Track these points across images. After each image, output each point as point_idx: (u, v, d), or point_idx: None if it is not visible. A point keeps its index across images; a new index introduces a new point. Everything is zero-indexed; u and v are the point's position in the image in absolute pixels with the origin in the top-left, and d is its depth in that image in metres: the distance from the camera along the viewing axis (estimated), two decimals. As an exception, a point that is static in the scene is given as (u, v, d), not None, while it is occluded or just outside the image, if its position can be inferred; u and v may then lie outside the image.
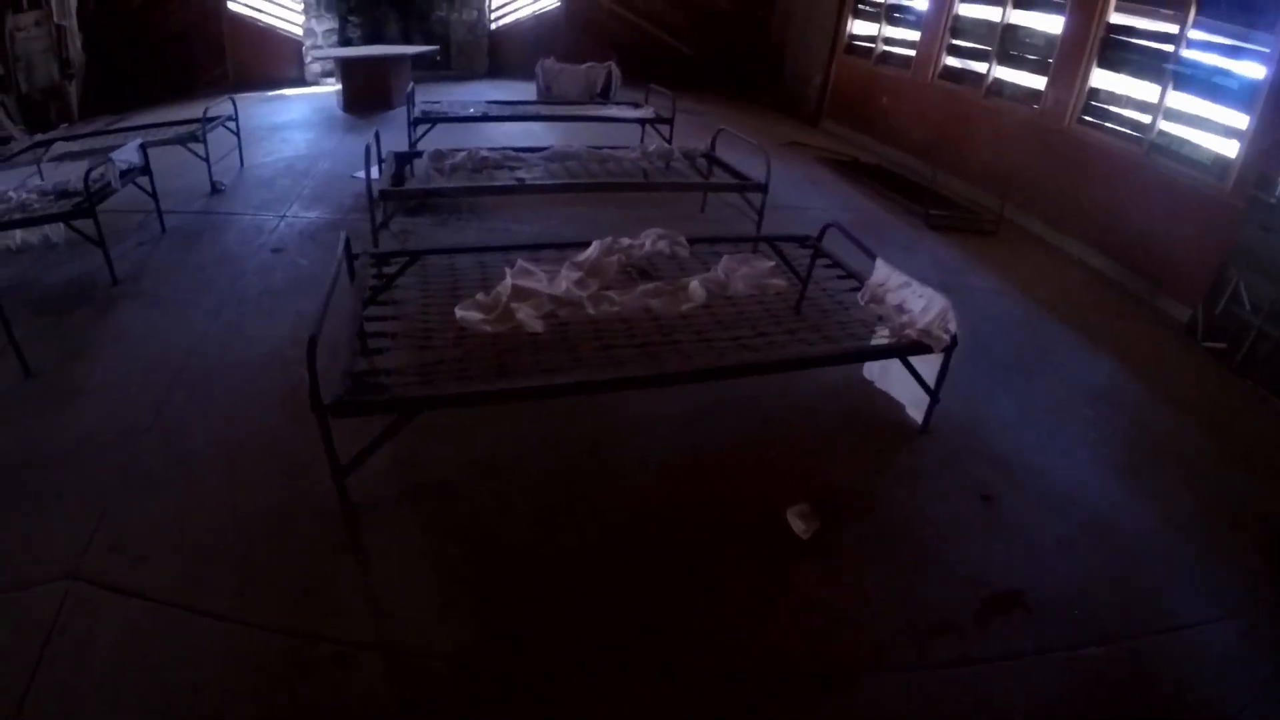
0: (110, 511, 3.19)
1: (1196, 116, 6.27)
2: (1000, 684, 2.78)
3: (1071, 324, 5.69)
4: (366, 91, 9.73)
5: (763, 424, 4.12)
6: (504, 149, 6.13)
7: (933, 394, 4.11)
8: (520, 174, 5.69)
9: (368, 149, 5.09)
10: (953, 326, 3.86)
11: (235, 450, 3.59)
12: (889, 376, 4.34)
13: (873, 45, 10.62)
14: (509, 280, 3.85)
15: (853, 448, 4.03)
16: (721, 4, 12.65)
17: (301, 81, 11.27)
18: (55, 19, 8.99)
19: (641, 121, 8.04)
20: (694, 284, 4.12)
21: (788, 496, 3.51)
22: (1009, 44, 8.54)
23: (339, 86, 10.01)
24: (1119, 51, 7.04)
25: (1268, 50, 5.59)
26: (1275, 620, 3.20)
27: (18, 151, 6.70)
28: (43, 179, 6.18)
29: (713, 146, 6.66)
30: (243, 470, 3.48)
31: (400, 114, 9.35)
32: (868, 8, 10.79)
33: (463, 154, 5.83)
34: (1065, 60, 7.57)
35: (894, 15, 10.30)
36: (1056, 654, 2.91)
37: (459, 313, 3.60)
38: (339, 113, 9.86)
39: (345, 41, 11.35)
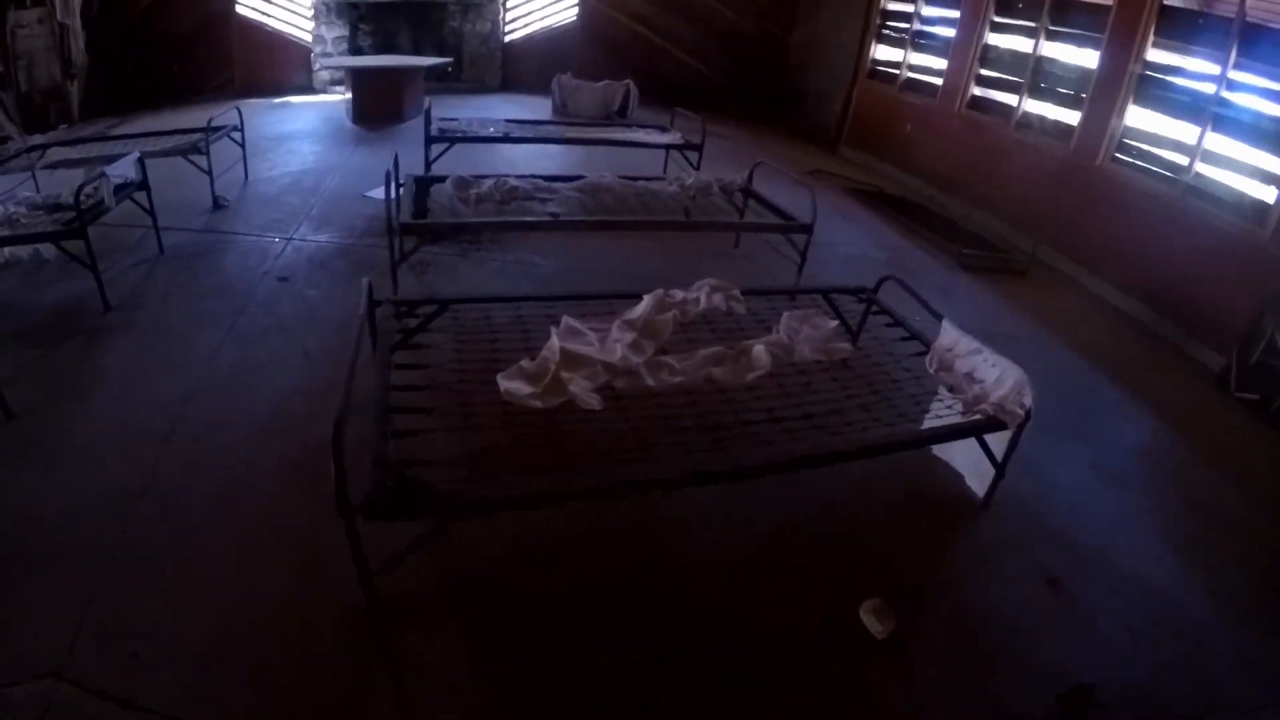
0: (99, 598, 2.70)
1: (1235, 160, 6.01)
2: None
3: (1109, 375, 5.45)
4: (378, 103, 9.22)
5: (823, 505, 3.68)
6: (533, 178, 5.62)
7: (999, 469, 3.74)
8: (552, 207, 5.20)
9: (388, 176, 4.59)
10: (1028, 400, 3.50)
11: (242, 528, 3.09)
12: (950, 445, 3.91)
13: (897, 71, 10.21)
14: (556, 343, 3.37)
15: (916, 527, 3.66)
16: (741, 25, 12.19)
17: (309, 89, 10.76)
18: (58, 17, 8.48)
19: (668, 147, 7.57)
20: (758, 349, 3.69)
21: (855, 586, 3.17)
22: (1041, 77, 8.18)
23: (348, 96, 9.50)
24: (1156, 89, 6.75)
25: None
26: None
27: (11, 155, 6.17)
28: (37, 187, 5.72)
29: (750, 179, 6.19)
30: (251, 554, 2.97)
31: (412, 128, 8.97)
32: (892, 33, 10.37)
33: (489, 182, 5.32)
34: (1100, 96, 7.24)
35: (920, 42, 9.90)
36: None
37: (503, 384, 3.11)
38: (348, 124, 9.35)
39: (355, 50, 10.84)
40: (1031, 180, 8.07)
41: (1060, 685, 2.85)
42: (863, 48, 10.68)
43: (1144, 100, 6.86)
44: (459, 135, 6.99)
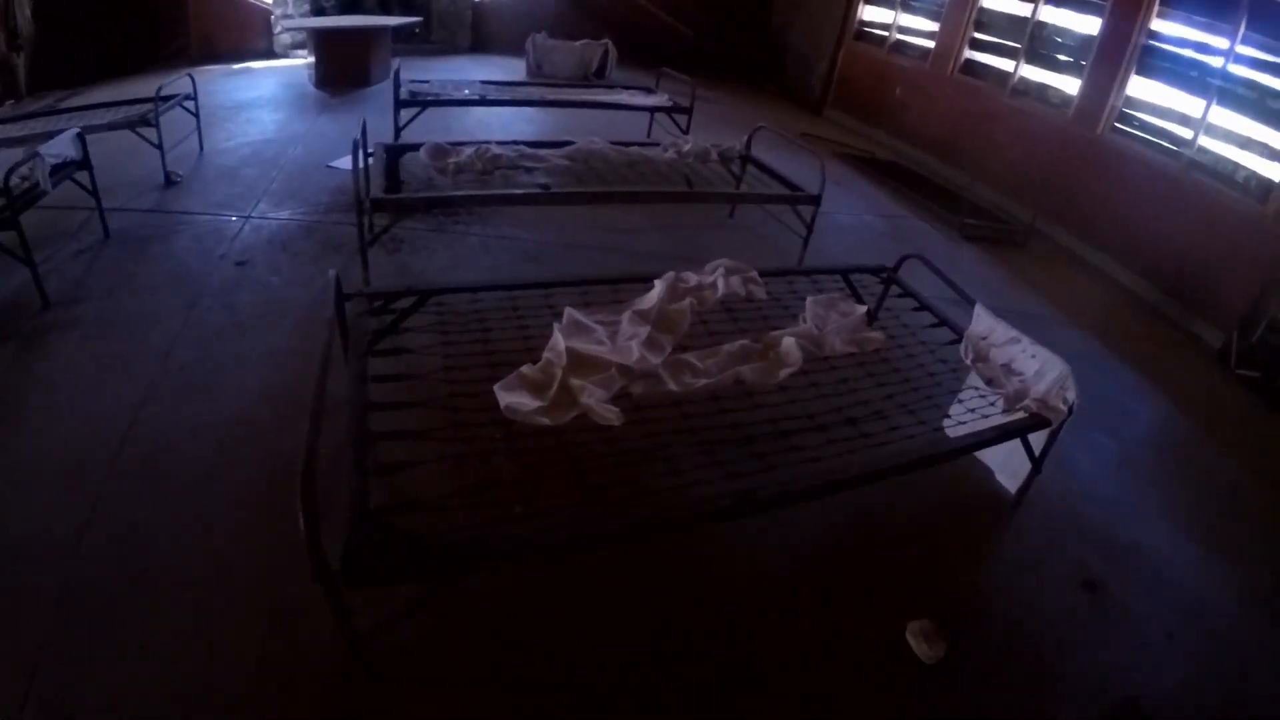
0: (44, 670, 2.21)
1: (1240, 135, 5.83)
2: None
3: (1116, 354, 5.28)
4: (342, 66, 8.51)
5: (854, 507, 3.26)
6: (517, 144, 5.01)
7: (1037, 466, 3.39)
8: (540, 178, 4.61)
9: (355, 145, 3.99)
10: (1072, 396, 3.16)
11: (207, 569, 2.58)
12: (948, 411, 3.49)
13: (886, 33, 9.70)
14: (560, 341, 2.84)
15: (951, 531, 3.36)
16: (720, -17, 11.56)
17: (270, 54, 9.99)
18: (1, -17, 7.69)
19: (656, 110, 6.99)
20: (788, 343, 3.21)
21: (893, 599, 2.90)
22: (1039, 42, 7.81)
23: (311, 60, 8.78)
24: (1160, 60, 6.52)
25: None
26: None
27: (-56, 132, 5.48)
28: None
29: (748, 146, 5.66)
30: (219, 602, 2.47)
31: (379, 92, 8.31)
32: (881, -8, 9.83)
33: (470, 150, 4.71)
34: (1101, 64, 6.96)
35: (910, 3, 9.38)
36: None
37: (503, 397, 2.57)
38: (311, 89, 8.63)
39: (318, 10, 10.07)
40: (1028, 148, 7.77)
41: (1105, 699, 2.70)
42: (849, 7, 10.14)
43: (1147, 70, 6.65)
44: (430, 98, 6.35)
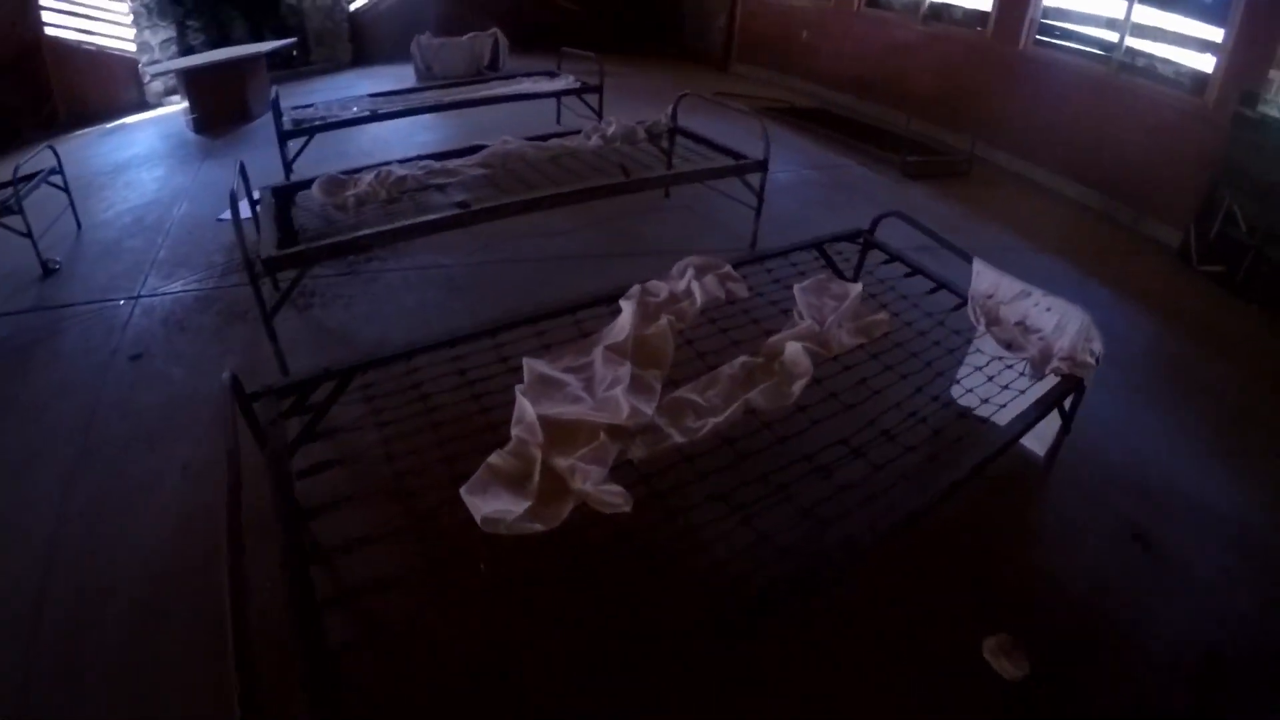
0: None
1: (1168, 31, 5.64)
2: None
3: (1086, 272, 5.02)
4: (218, 105, 7.66)
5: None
6: (421, 160, 4.33)
7: (1066, 424, 3.09)
8: (456, 194, 3.93)
9: (233, 196, 3.30)
10: (1098, 346, 2.83)
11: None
12: (976, 391, 3.02)
13: (782, -24, 9.10)
14: (528, 410, 2.24)
15: (992, 509, 2.93)
16: (601, -50, 10.83)
17: (144, 105, 9.04)
18: None
19: (564, 94, 6.33)
20: (793, 349, 2.71)
21: (953, 601, 2.54)
22: None
23: (185, 104, 7.91)
24: None
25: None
26: None
27: None
28: None
29: (674, 117, 5.05)
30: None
31: (263, 125, 7.52)
32: (770, -66, 9.23)
33: (369, 177, 4.01)
34: None
35: (802, -61, 8.80)
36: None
37: (477, 505, 1.96)
38: (190, 136, 7.76)
39: (186, 50, 9.13)
40: (950, 74, 7.39)
41: (1189, 656, 2.46)
42: (739, -43, 9.50)
43: None
44: (317, 123, 5.60)
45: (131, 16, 8.82)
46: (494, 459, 2.10)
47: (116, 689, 2.24)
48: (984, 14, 7.02)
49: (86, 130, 8.41)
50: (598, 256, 4.57)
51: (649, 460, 2.23)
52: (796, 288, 3.22)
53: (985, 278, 3.21)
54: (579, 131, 4.77)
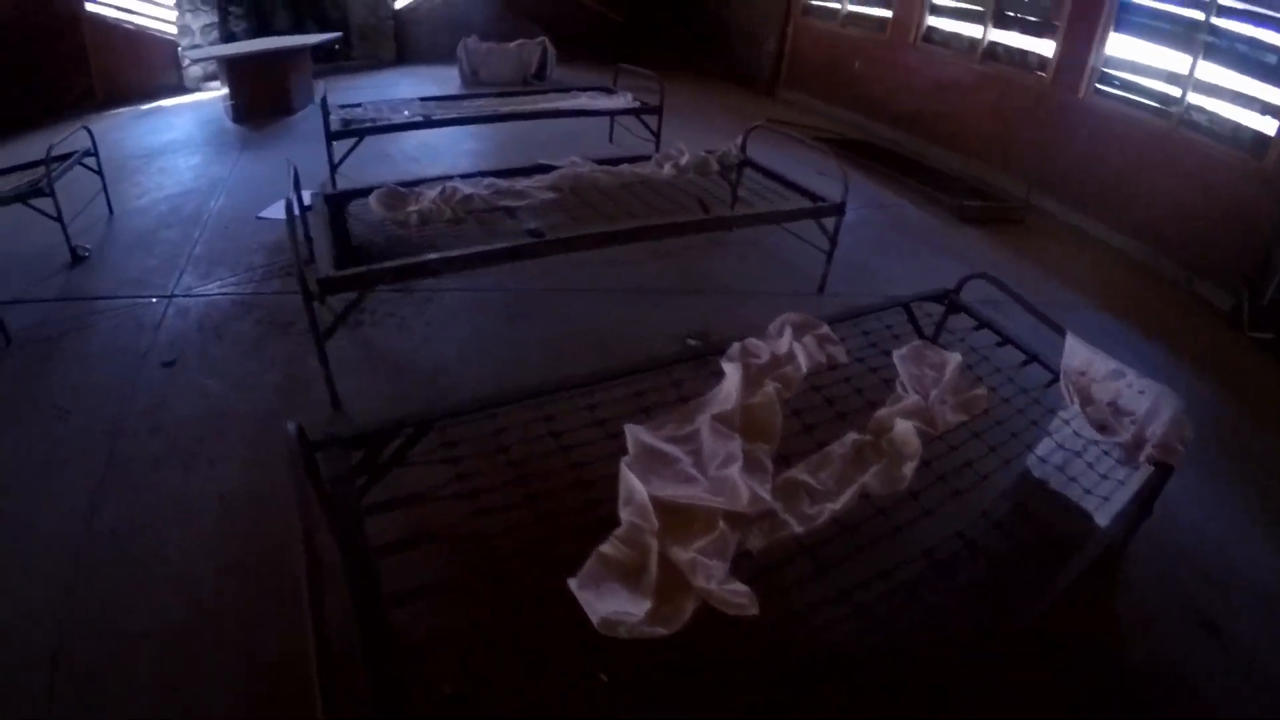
0: None
1: (1230, 90, 5.33)
2: None
3: (1138, 331, 4.71)
4: (260, 96, 7.37)
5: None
6: (485, 176, 3.97)
7: (1147, 508, 2.69)
8: (527, 219, 3.59)
9: (288, 205, 2.99)
10: (1189, 432, 2.58)
11: None
12: (1070, 471, 2.77)
13: (838, 5, 8.81)
14: (639, 489, 1.93)
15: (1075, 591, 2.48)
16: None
17: (181, 89, 8.75)
18: None
19: (620, 113, 6.03)
20: (902, 428, 2.41)
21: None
22: (1005, 4, 7.06)
23: (226, 91, 7.61)
24: (1140, 16, 5.92)
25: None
26: None
27: None
28: None
29: (744, 148, 4.75)
30: None
31: (305, 120, 7.24)
32: (827, -37, 8.95)
33: (433, 192, 3.66)
34: (1077, 24, 6.28)
35: (862, -30, 8.52)
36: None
37: (593, 604, 1.62)
38: (229, 124, 7.46)
39: (228, 37, 8.86)
40: (1006, 117, 7.07)
41: None
42: (795, -19, 9.22)
43: (1127, 28, 6.04)
44: (367, 125, 5.28)
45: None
46: (606, 548, 1.79)
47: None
48: (1044, 59, 6.72)
49: (121, 110, 8.13)
50: (664, 291, 4.27)
51: (767, 551, 1.93)
52: (896, 355, 2.95)
53: (1078, 353, 2.96)
54: (649, 158, 4.44)
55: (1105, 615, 2.66)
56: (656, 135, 5.90)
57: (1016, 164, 6.84)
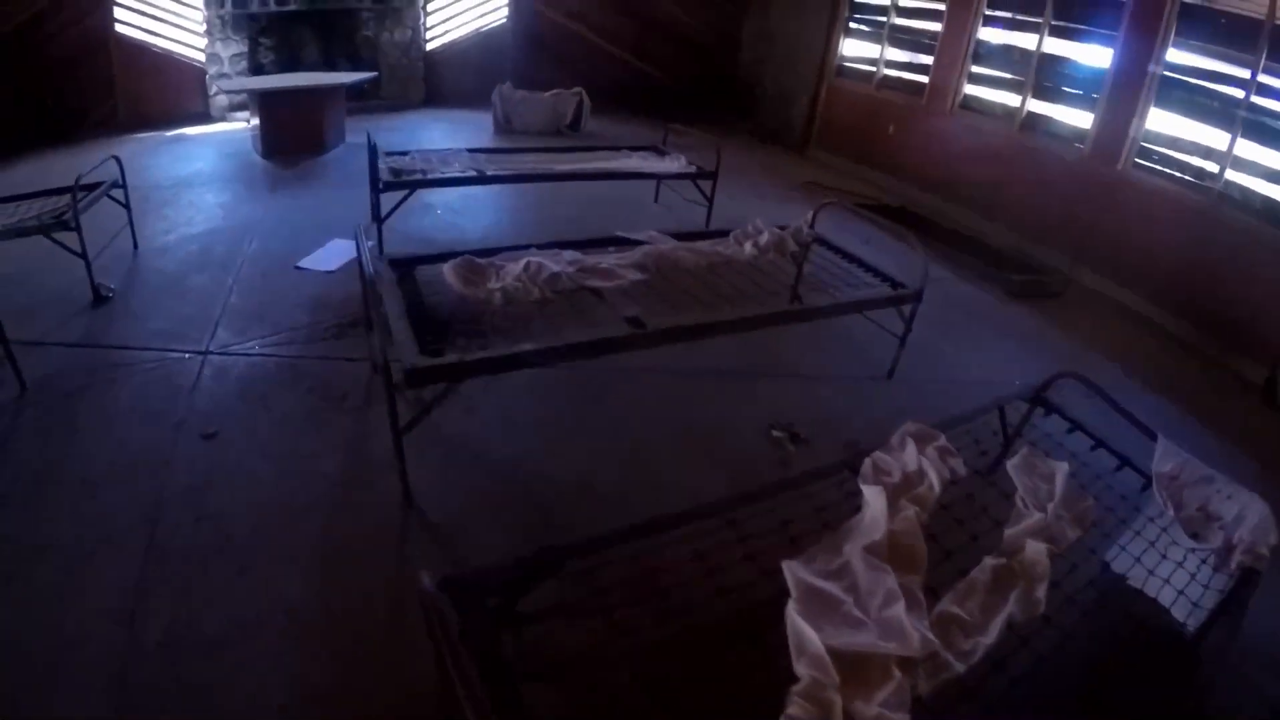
0: None
1: (1269, 167, 5.24)
2: None
3: (1183, 409, 4.47)
4: (293, 132, 7.03)
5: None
6: (568, 250, 3.51)
7: (1239, 612, 2.55)
8: (619, 301, 3.18)
9: (365, 297, 2.64)
10: (1275, 537, 2.49)
11: None
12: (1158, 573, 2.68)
13: (873, 69, 8.64)
14: (812, 638, 1.68)
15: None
16: (684, 18, 10.35)
17: (206, 117, 8.43)
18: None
19: (676, 177, 5.72)
20: (1034, 550, 2.25)
21: None
22: (1046, 75, 6.90)
23: (254, 123, 7.28)
24: (1180, 92, 5.79)
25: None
26: None
27: None
28: None
29: (813, 224, 4.46)
30: None
31: (338, 160, 6.98)
32: (865, 27, 8.78)
33: (514, 267, 3.23)
34: (1117, 98, 6.15)
35: (899, 37, 8.33)
36: None
37: None
38: (257, 159, 7.12)
39: (257, 68, 8.55)
40: (1042, 186, 6.86)
41: None
42: (829, 43, 9.04)
43: (1166, 103, 5.92)
44: (417, 177, 4.93)
45: (205, 25, 8.24)
46: (794, 710, 1.51)
47: None
48: (1083, 131, 6.56)
49: (144, 135, 7.83)
50: (737, 372, 3.96)
51: (936, 696, 1.70)
52: (1010, 466, 2.75)
53: (1170, 457, 2.80)
54: (726, 234, 4.09)
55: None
56: (709, 200, 5.61)
57: (1053, 234, 6.66)
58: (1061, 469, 2.75)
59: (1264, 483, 3.70)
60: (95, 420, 3.28)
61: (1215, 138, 5.54)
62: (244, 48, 8.46)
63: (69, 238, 4.14)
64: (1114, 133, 6.17)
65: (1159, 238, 5.84)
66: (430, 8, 9.39)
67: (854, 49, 8.95)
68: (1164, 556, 2.63)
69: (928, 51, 8.02)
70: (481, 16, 9.69)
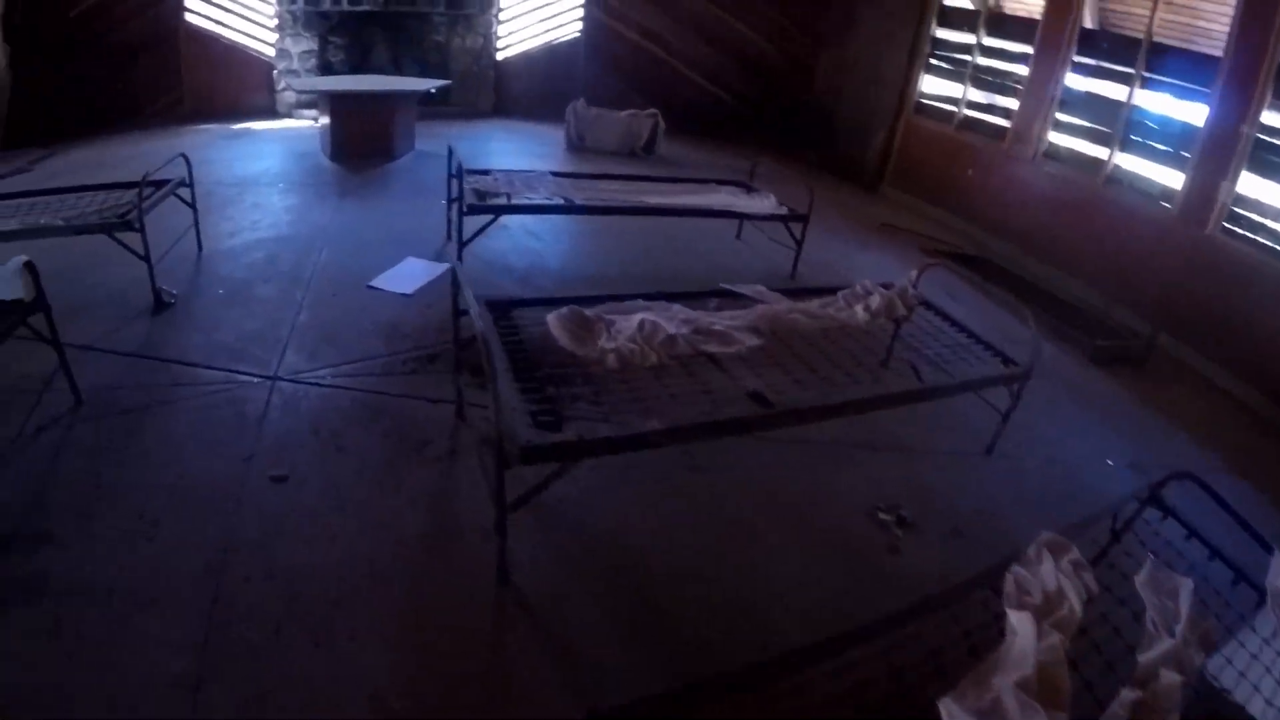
0: None
1: None
2: None
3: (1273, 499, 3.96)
4: (363, 137, 6.81)
5: None
6: (678, 306, 3.19)
7: None
8: (747, 379, 2.81)
9: (484, 343, 2.34)
10: None
11: None
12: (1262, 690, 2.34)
13: (954, 108, 8.30)
14: None
15: None
16: (760, 45, 10.06)
17: (272, 113, 8.27)
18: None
19: (766, 219, 5.40)
20: (1169, 680, 2.11)
21: None
22: (1134, 129, 6.54)
23: (322, 123, 7.07)
24: (1275, 156, 5.40)
25: None
26: None
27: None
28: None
29: (917, 281, 4.15)
30: None
31: (408, 168, 6.75)
32: (946, 65, 8.45)
33: (628, 327, 2.89)
34: (1209, 158, 5.77)
35: (982, 78, 7.99)
36: None
37: None
38: (325, 161, 6.91)
39: (325, 66, 8.37)
40: (1124, 244, 6.48)
41: None
42: (909, 78, 8.72)
43: (1260, 167, 5.53)
44: (502, 201, 4.64)
45: (276, 20, 8.08)
46: None
47: None
48: (1171, 190, 6.19)
49: (209, 126, 7.67)
50: (839, 445, 3.63)
51: None
52: (1139, 583, 2.53)
53: None
54: (835, 294, 3.77)
55: None
56: (798, 243, 5.30)
57: (1135, 295, 6.28)
58: (1186, 586, 2.53)
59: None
60: (156, 445, 3.04)
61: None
62: (314, 45, 8.29)
63: (131, 238, 3.93)
64: (1204, 194, 5.81)
65: (1249, 310, 5.45)
66: (503, 16, 9.16)
67: (933, 86, 8.63)
68: (1267, 671, 2.31)
69: (1011, 94, 7.70)
70: (554, 29, 9.46)
